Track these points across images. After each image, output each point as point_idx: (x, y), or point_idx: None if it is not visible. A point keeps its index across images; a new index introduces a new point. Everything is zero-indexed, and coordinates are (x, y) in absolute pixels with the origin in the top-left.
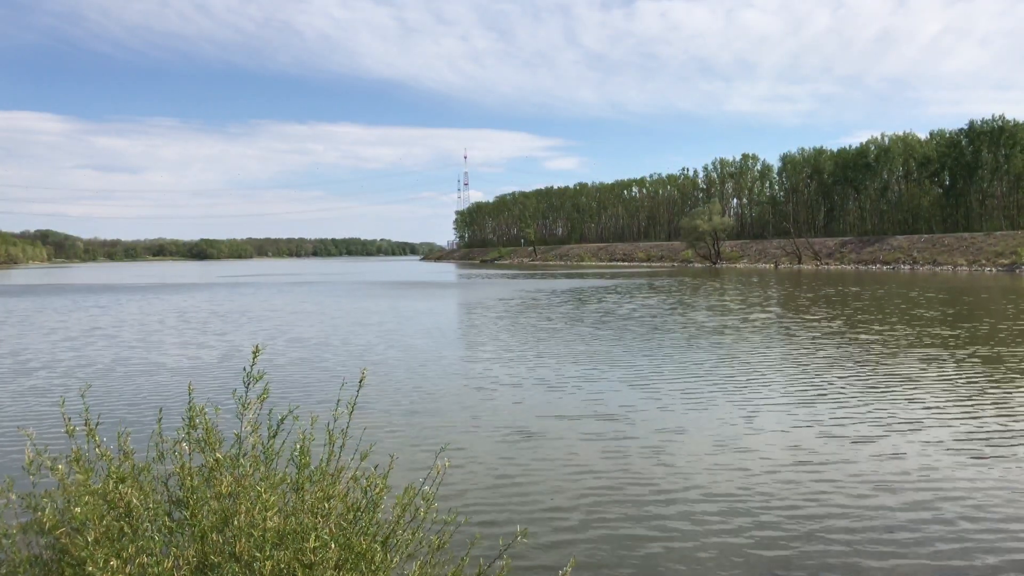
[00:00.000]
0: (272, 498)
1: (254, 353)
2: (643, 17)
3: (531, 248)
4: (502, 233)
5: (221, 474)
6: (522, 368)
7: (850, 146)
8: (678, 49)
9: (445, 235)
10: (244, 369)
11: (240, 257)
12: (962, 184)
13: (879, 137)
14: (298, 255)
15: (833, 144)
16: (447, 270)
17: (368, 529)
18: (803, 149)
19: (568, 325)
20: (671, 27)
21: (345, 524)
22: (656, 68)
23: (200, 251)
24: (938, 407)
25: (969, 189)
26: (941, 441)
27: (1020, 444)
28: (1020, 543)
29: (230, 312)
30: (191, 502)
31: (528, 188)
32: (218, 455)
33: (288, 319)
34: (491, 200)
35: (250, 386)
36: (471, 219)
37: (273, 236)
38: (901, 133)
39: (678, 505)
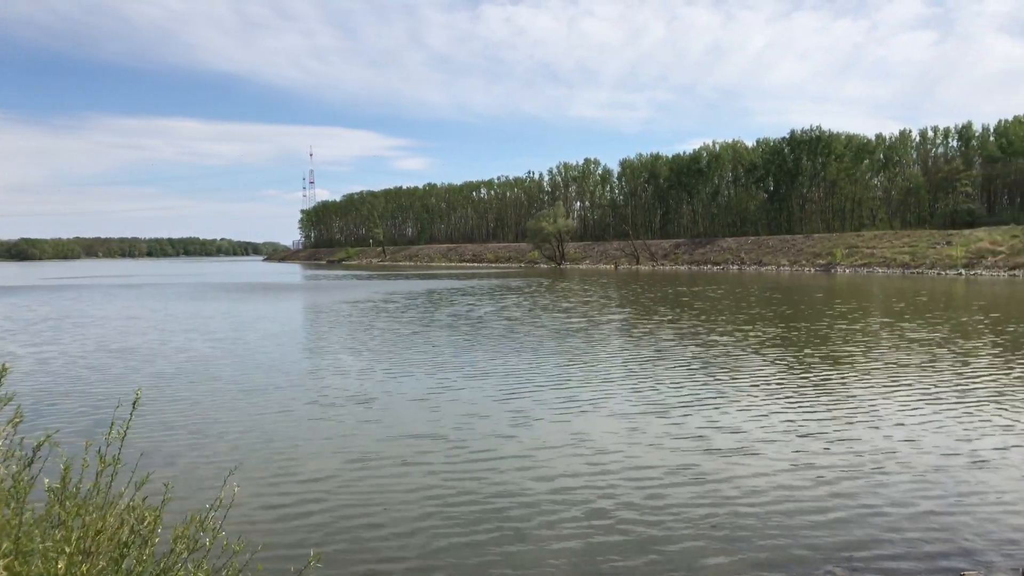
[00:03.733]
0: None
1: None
2: (488, 21)
3: (380, 248)
4: (350, 233)
5: None
6: (372, 380)
7: (684, 152)
8: (523, 54)
9: (290, 235)
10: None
11: (66, 257)
12: (785, 189)
13: (711, 144)
14: (131, 255)
15: (669, 150)
16: (292, 271)
17: (136, 568)
18: (641, 155)
19: (425, 329)
20: (516, 32)
21: (105, 564)
22: (502, 72)
23: (20, 251)
24: (781, 400)
25: (791, 194)
26: (788, 431)
27: (844, 430)
28: (840, 534)
29: (47, 319)
30: None
31: (376, 188)
32: None
33: (115, 326)
34: (338, 199)
35: None
36: (318, 218)
37: (104, 235)
38: (730, 141)
39: (516, 508)
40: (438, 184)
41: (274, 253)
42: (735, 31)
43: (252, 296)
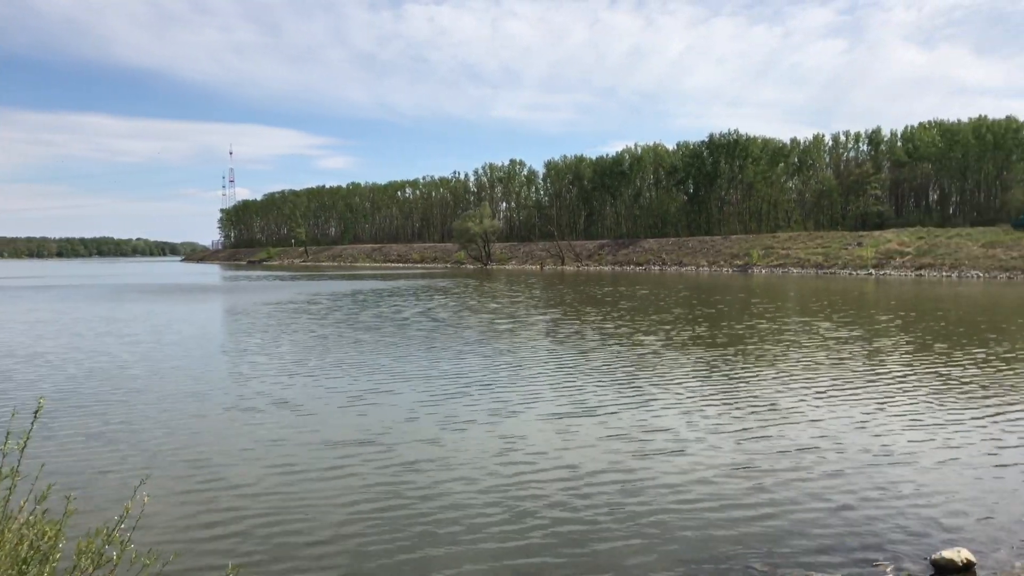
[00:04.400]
0: None
1: None
2: (411, 20)
3: (303, 249)
4: (271, 233)
5: None
6: (294, 384)
7: (607, 155)
8: (447, 54)
9: (209, 234)
10: None
11: None
12: (704, 192)
13: (633, 147)
14: (40, 256)
15: (592, 152)
16: (211, 271)
17: None
18: (565, 156)
19: (349, 332)
20: (439, 32)
21: None
22: (426, 71)
23: None
24: (705, 397)
25: (710, 196)
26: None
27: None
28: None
29: None
30: None
31: (299, 187)
32: None
33: (22, 330)
34: (259, 198)
35: None
36: (238, 218)
37: (9, 235)
38: (652, 143)
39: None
40: (362, 183)
41: (192, 253)
42: (655, 35)
43: (169, 298)
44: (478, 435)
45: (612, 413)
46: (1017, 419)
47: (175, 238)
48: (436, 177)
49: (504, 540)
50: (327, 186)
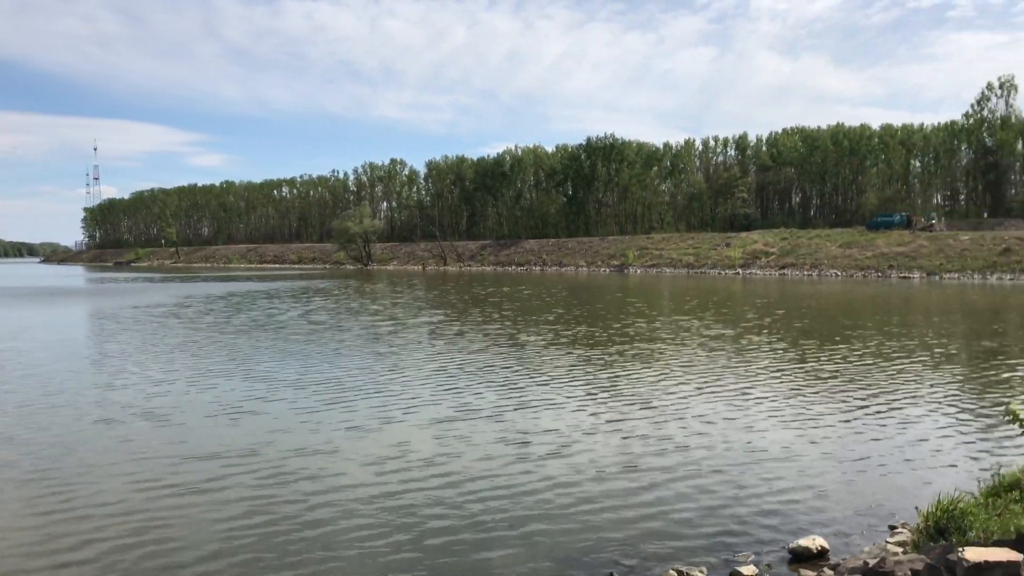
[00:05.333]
0: None
1: None
2: (288, 16)
3: (173, 249)
4: (140, 233)
5: None
6: (164, 393)
7: (488, 156)
8: (325, 51)
9: (72, 235)
10: None
11: None
12: (582, 194)
13: (513, 148)
14: None
15: (474, 153)
16: (75, 273)
17: None
18: (447, 157)
19: (224, 336)
20: (317, 28)
21: None
22: (303, 68)
23: None
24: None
25: (588, 198)
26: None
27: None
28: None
29: None
30: None
31: (169, 185)
32: None
33: None
34: (127, 197)
35: None
36: (103, 217)
37: None
38: (532, 146)
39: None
40: (237, 182)
41: (53, 254)
42: (533, 39)
43: (26, 301)
44: (361, 443)
45: (497, 416)
46: (877, 413)
47: (33, 238)
48: (314, 176)
49: (389, 552)
50: (199, 184)
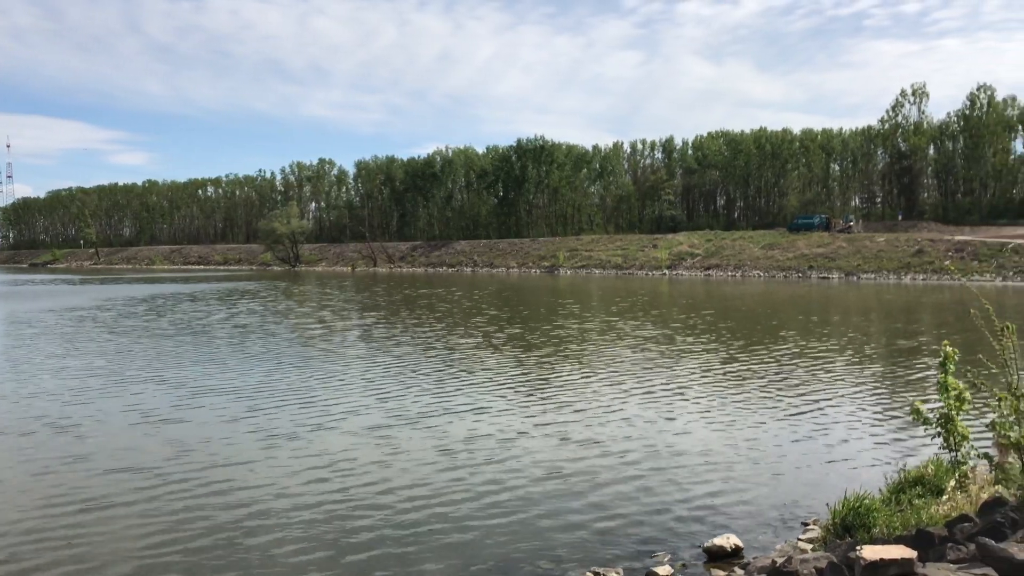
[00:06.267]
0: None
1: None
2: (213, 12)
3: (93, 250)
4: (57, 233)
5: None
6: (81, 402)
7: (419, 156)
8: (251, 49)
9: None
10: None
11: None
12: (513, 195)
13: (444, 149)
14: None
15: (405, 153)
16: None
17: None
18: (377, 157)
19: (146, 341)
20: (244, 26)
21: None
22: (229, 66)
23: None
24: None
25: (519, 200)
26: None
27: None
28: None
29: None
30: None
31: (88, 184)
32: None
33: None
34: (43, 196)
35: None
36: (18, 217)
37: None
38: (463, 147)
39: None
40: (160, 181)
41: None
42: (464, 40)
43: None
44: (289, 452)
45: (428, 421)
46: (799, 412)
47: None
48: (241, 175)
49: (320, 564)
50: (120, 184)
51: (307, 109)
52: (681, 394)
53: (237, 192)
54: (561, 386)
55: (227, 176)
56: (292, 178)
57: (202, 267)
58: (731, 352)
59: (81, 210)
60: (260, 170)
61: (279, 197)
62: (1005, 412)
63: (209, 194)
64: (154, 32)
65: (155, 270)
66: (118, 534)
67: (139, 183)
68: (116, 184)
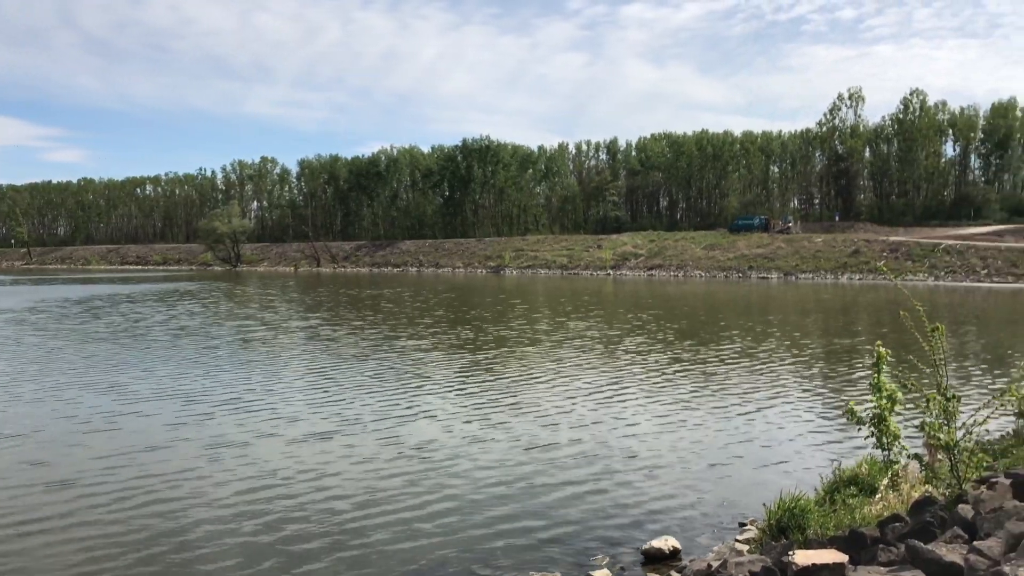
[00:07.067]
0: None
1: None
2: (151, 6)
3: (25, 250)
4: None
5: None
6: (7, 409)
7: (363, 155)
8: (191, 44)
9: None
10: None
11: None
12: (459, 195)
13: (389, 148)
14: None
15: (349, 152)
16: None
17: None
18: (320, 156)
19: (81, 344)
20: (184, 21)
21: None
22: (168, 61)
23: None
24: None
25: (464, 200)
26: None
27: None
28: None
29: None
30: None
31: (20, 181)
32: None
33: None
34: None
35: None
36: None
37: None
38: (408, 146)
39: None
40: (96, 179)
41: None
42: (409, 39)
43: None
44: (233, 460)
45: (375, 426)
46: (739, 412)
47: None
48: (180, 174)
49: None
50: (55, 182)
51: (249, 107)
52: (627, 396)
53: (177, 191)
54: (507, 389)
55: (167, 174)
56: (233, 177)
57: (140, 267)
58: (675, 353)
59: (12, 208)
60: (201, 168)
61: (220, 196)
62: (935, 413)
63: (148, 193)
64: (89, 26)
65: (91, 270)
66: (47, 552)
67: (74, 181)
68: (50, 182)
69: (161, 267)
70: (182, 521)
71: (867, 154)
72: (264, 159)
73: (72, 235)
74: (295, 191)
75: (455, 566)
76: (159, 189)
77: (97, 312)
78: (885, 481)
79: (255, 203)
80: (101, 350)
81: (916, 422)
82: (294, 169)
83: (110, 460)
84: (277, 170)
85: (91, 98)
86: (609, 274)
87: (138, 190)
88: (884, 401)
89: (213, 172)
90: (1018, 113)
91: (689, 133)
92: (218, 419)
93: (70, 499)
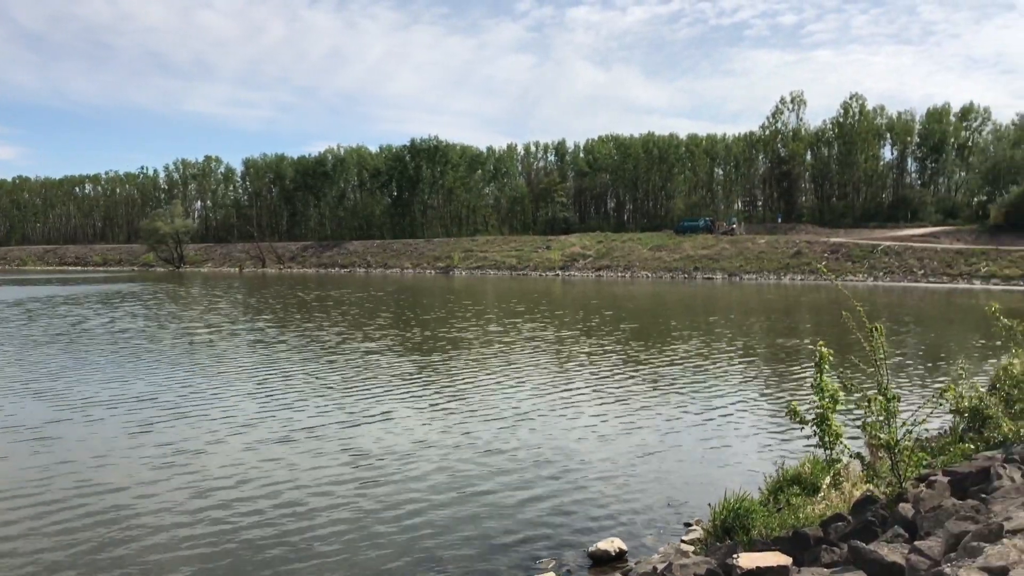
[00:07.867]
0: None
1: None
2: (89, 2)
3: None
4: None
5: None
6: None
7: (310, 155)
8: (131, 41)
9: None
10: None
11: None
12: (407, 195)
13: (336, 148)
14: None
15: (295, 151)
16: None
17: None
18: (265, 155)
19: (18, 349)
20: (123, 17)
21: None
22: (107, 58)
23: None
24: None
25: (413, 200)
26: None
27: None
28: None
29: None
30: None
31: None
32: None
33: None
34: None
35: None
36: None
37: None
38: (355, 145)
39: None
40: (32, 177)
41: None
42: (355, 38)
43: None
44: (182, 468)
45: (325, 431)
46: (687, 413)
47: None
48: (121, 173)
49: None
50: None
51: (191, 105)
52: (577, 397)
53: (117, 190)
54: (459, 392)
55: (106, 173)
56: (176, 176)
57: (80, 268)
58: (624, 354)
59: None
60: (142, 167)
61: (163, 195)
62: (875, 412)
63: (87, 192)
64: (23, 20)
65: (27, 271)
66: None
67: (9, 179)
68: None
69: (101, 268)
70: (129, 531)
71: (808, 157)
72: (208, 158)
73: (7, 235)
74: (240, 191)
75: (399, 574)
76: (99, 188)
77: (33, 314)
78: (827, 480)
79: (199, 203)
80: (39, 355)
81: (858, 421)
82: (239, 168)
83: (51, 470)
84: (221, 169)
85: (26, 94)
86: (558, 275)
87: (77, 189)
88: (826, 401)
89: (155, 171)
90: (951, 119)
91: (636, 135)
92: (165, 426)
93: (9, 509)
